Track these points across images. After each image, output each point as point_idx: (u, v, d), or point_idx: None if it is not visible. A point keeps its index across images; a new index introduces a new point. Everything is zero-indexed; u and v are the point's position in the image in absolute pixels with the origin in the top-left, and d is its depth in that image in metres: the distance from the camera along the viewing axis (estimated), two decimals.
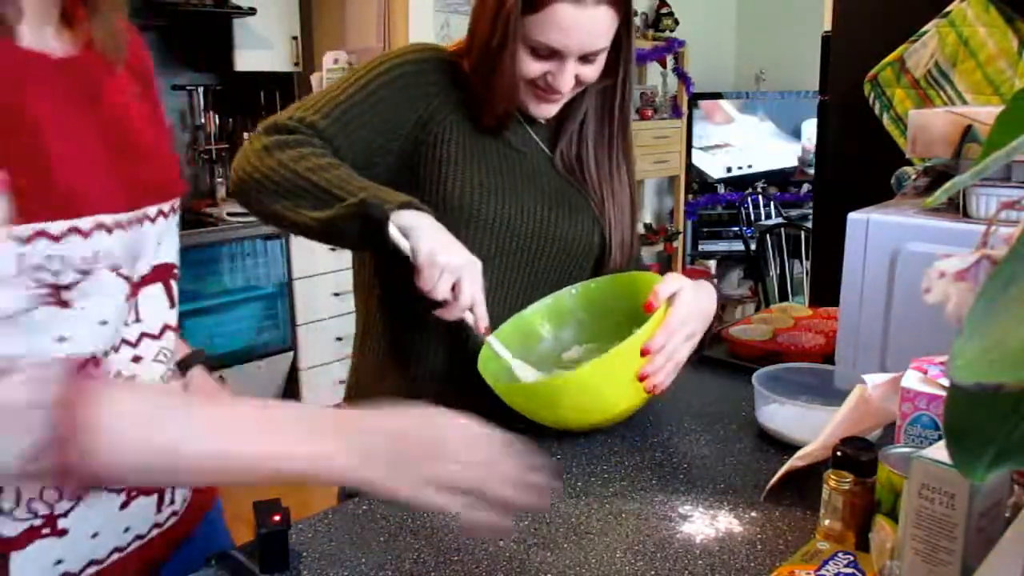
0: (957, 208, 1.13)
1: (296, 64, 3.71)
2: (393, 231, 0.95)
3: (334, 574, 0.83)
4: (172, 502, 0.89)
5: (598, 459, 1.07)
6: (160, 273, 0.85)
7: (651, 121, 4.58)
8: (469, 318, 1.01)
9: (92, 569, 0.80)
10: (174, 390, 0.73)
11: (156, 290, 0.85)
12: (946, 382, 0.86)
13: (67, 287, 0.72)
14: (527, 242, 1.17)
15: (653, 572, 0.83)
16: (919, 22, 1.92)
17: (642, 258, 1.38)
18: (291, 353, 3.38)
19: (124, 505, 0.82)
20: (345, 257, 3.55)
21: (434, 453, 0.69)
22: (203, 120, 3.73)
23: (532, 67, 1.09)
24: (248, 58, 3.55)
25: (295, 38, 3.69)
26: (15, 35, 0.71)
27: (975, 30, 1.85)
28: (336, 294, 3.46)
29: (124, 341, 0.80)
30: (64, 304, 0.72)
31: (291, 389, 3.42)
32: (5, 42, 0.70)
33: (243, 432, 0.68)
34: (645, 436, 1.13)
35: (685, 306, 1.07)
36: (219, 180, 3.73)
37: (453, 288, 0.97)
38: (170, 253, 0.86)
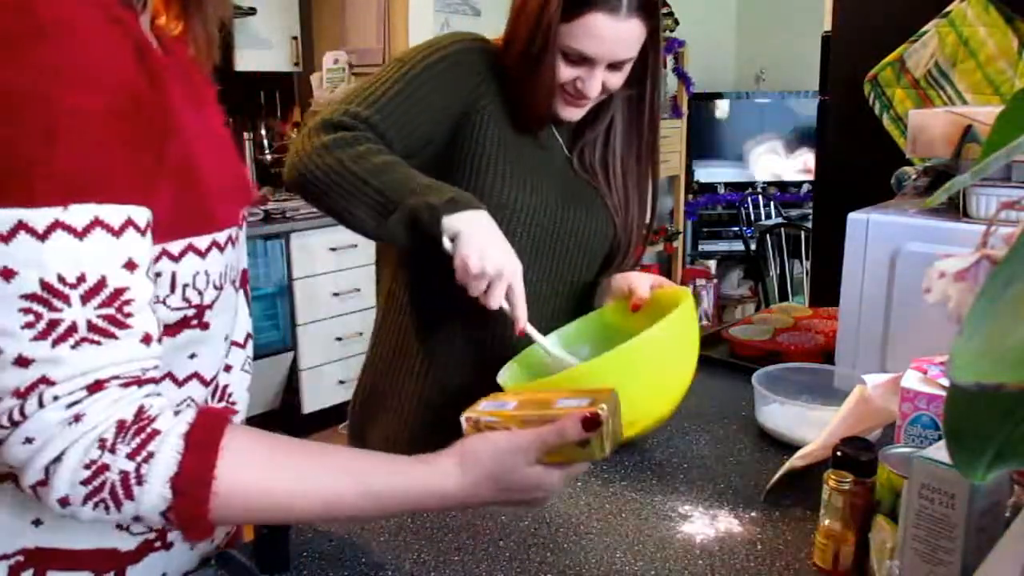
0: (957, 208, 1.13)
1: (296, 64, 3.71)
2: (446, 241, 0.99)
3: (334, 574, 0.83)
4: None
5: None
6: (242, 280, 0.83)
7: None
8: (508, 308, 1.02)
9: None
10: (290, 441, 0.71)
11: (240, 299, 0.83)
12: (946, 382, 0.86)
13: (209, 306, 0.71)
14: (548, 235, 1.20)
15: (653, 572, 0.83)
16: (919, 22, 1.93)
17: (641, 258, 1.39)
18: (291, 353, 3.37)
19: None
20: (345, 258, 3.53)
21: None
22: None
23: (563, 72, 1.11)
24: (248, 58, 3.55)
25: (295, 38, 3.69)
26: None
27: (975, 30, 1.85)
28: (336, 294, 3.46)
29: None
30: (205, 326, 0.71)
31: (291, 389, 3.42)
32: (138, 31, 0.64)
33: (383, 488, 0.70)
34: (645, 436, 1.13)
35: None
36: None
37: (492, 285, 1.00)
38: (244, 259, 0.85)
